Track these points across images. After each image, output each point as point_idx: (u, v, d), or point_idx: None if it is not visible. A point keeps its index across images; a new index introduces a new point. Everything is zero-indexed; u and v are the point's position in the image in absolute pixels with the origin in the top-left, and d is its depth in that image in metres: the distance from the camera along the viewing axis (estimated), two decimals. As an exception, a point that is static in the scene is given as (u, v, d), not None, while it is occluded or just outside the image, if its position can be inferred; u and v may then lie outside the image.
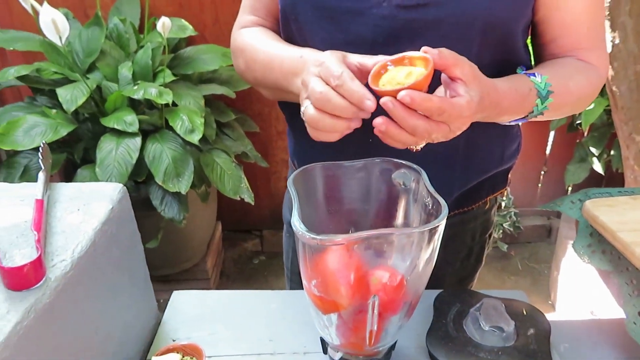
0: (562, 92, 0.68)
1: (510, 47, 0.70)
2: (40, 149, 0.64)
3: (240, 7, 0.82)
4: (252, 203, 1.68)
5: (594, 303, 1.87)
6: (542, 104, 0.66)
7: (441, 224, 0.53)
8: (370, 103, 0.54)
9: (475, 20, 0.64)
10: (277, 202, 2.36)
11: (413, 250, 0.55)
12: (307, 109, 0.58)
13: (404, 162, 0.63)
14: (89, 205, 0.60)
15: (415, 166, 0.62)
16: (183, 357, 0.63)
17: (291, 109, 0.79)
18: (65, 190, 0.63)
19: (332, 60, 0.57)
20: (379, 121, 0.55)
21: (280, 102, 0.83)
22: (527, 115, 0.68)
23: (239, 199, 1.67)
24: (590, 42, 0.73)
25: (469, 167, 0.77)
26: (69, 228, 0.56)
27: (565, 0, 0.69)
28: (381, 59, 0.58)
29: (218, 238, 2.29)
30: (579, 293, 1.94)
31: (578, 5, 0.69)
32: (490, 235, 0.93)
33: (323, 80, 0.56)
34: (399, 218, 0.66)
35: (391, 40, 0.66)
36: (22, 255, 0.51)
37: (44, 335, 0.47)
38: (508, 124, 0.72)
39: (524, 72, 0.70)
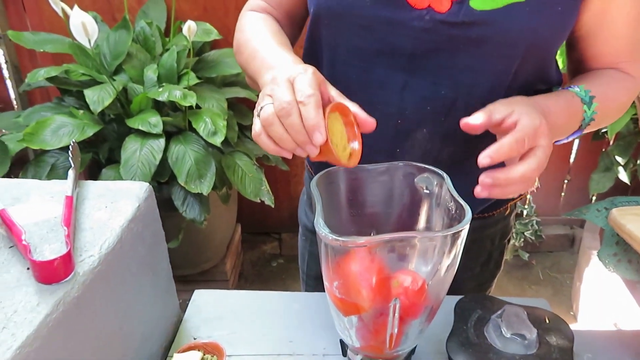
0: (603, 98, 0.67)
1: (547, 64, 0.70)
2: (70, 147, 0.66)
3: None
4: (272, 205, 1.69)
5: (618, 315, 1.83)
6: (589, 110, 0.66)
7: (464, 228, 0.53)
8: (319, 137, 0.52)
9: (520, 40, 0.63)
10: (296, 206, 2.35)
11: (435, 255, 0.55)
12: (266, 108, 0.54)
13: (427, 166, 0.63)
14: (116, 203, 0.61)
15: (438, 170, 0.62)
16: (204, 355, 0.64)
17: None
18: (93, 187, 0.65)
19: (312, 78, 0.54)
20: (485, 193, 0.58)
21: None
22: (581, 126, 0.68)
23: (259, 201, 1.68)
24: (630, 55, 0.72)
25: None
26: (97, 224, 0.57)
27: (609, 17, 0.68)
28: (354, 109, 0.58)
29: (237, 240, 2.30)
30: (602, 304, 1.90)
31: (620, 20, 0.68)
32: (509, 241, 0.93)
33: (293, 89, 0.54)
34: (421, 222, 0.66)
35: (430, 53, 0.65)
36: (51, 250, 0.52)
37: (71, 328, 0.48)
38: (566, 140, 0.72)
39: (560, 88, 0.70)
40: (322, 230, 0.51)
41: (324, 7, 0.69)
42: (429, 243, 0.54)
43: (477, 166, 0.74)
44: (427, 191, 0.64)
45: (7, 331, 0.42)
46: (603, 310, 1.90)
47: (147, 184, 0.66)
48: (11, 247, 0.53)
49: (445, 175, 0.61)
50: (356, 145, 0.59)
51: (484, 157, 0.56)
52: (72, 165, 0.64)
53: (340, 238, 0.50)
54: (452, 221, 0.58)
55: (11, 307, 0.45)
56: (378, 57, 0.68)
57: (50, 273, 0.48)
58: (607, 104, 0.69)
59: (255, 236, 2.48)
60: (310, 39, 0.76)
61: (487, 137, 0.68)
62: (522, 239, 2.31)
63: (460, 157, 0.72)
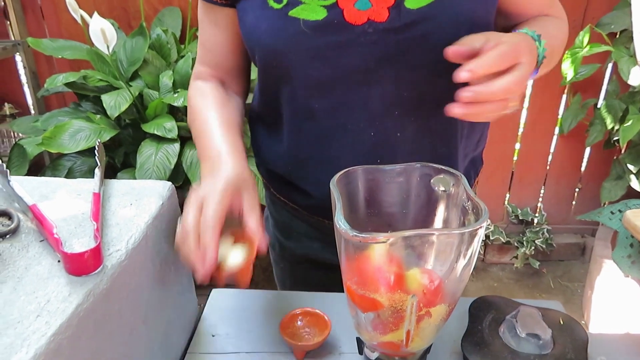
0: (547, 36, 0.68)
1: None
2: (96, 147, 0.68)
3: (197, 52, 0.83)
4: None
5: (630, 323, 1.82)
6: (540, 46, 0.65)
7: (482, 227, 0.54)
8: (209, 259, 0.57)
9: (461, 24, 0.65)
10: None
11: (452, 253, 0.56)
12: (178, 228, 0.61)
13: (443, 167, 0.64)
14: (141, 201, 0.63)
15: (454, 171, 0.63)
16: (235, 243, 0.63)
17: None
18: (118, 186, 0.67)
19: (216, 204, 0.59)
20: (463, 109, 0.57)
21: None
22: (537, 63, 0.66)
23: (271, 206, 1.70)
24: (548, 7, 0.77)
25: (467, 146, 0.81)
26: (123, 221, 0.59)
27: None
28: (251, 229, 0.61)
29: (248, 245, 2.31)
30: (613, 313, 1.89)
31: None
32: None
33: (198, 210, 0.60)
34: (437, 222, 0.67)
35: (382, 63, 0.67)
36: (80, 244, 0.54)
37: (100, 318, 0.49)
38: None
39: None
40: (343, 226, 0.53)
41: (269, 50, 0.69)
42: (446, 241, 0.55)
43: (454, 150, 0.77)
44: (443, 191, 0.65)
45: (41, 319, 0.44)
46: (615, 319, 1.89)
47: (170, 183, 0.67)
48: (42, 240, 0.55)
49: (461, 175, 0.63)
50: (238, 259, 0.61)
51: (464, 72, 0.54)
52: (98, 164, 0.66)
53: (360, 234, 0.52)
54: (468, 220, 0.60)
55: (44, 297, 0.47)
56: (335, 82, 0.69)
57: (81, 265, 0.49)
58: (552, 41, 0.70)
59: (266, 242, 2.49)
60: (264, 88, 0.78)
61: (456, 120, 0.73)
62: (533, 247, 2.30)
63: (439, 147, 0.75)
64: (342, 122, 0.72)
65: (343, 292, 0.87)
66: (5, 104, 2.12)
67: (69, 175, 1.60)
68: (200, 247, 0.58)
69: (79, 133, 1.54)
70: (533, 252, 2.32)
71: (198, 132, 0.74)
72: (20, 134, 2.07)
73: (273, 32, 0.67)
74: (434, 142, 0.74)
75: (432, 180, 0.66)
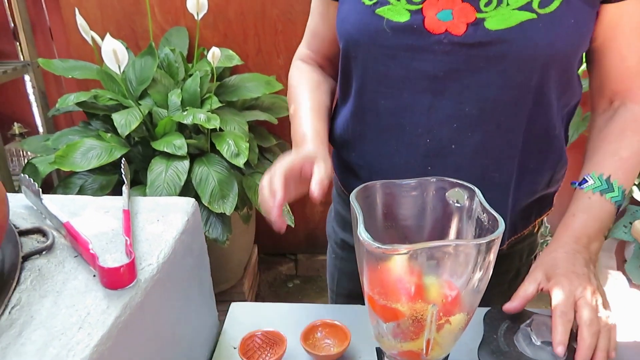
0: (622, 164, 0.71)
1: (569, 77, 0.73)
2: (122, 166, 0.70)
3: (304, 34, 0.91)
4: (293, 225, 1.72)
5: (637, 333, 1.83)
6: (615, 192, 0.70)
7: (499, 237, 0.56)
8: (278, 200, 0.64)
9: (537, 55, 0.67)
10: (311, 227, 2.40)
11: (470, 265, 0.58)
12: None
13: (458, 181, 0.67)
14: (167, 217, 0.65)
15: (469, 184, 0.66)
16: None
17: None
18: (143, 203, 0.69)
19: (286, 161, 0.68)
20: None
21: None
22: (618, 208, 0.72)
23: (279, 221, 1.72)
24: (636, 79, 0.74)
25: (520, 189, 0.80)
26: (152, 236, 0.61)
27: (620, 27, 0.70)
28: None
29: (254, 261, 2.33)
30: (620, 324, 1.90)
31: (629, 29, 0.71)
32: (535, 257, 0.95)
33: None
34: (452, 235, 0.69)
35: (452, 74, 0.70)
36: (113, 259, 0.56)
37: (136, 330, 0.51)
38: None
39: (576, 185, 0.75)
40: (366, 238, 0.55)
41: (352, 41, 0.75)
42: (464, 252, 0.58)
43: (507, 178, 0.78)
44: (458, 205, 0.68)
45: (84, 331, 0.46)
46: (622, 327, 1.89)
47: (193, 199, 0.70)
48: (75, 256, 0.57)
49: (476, 188, 0.65)
50: None
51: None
52: (125, 182, 0.68)
53: (382, 246, 0.54)
54: (485, 232, 0.62)
55: (84, 310, 0.49)
56: (404, 83, 0.73)
57: (117, 279, 0.51)
58: (628, 167, 0.72)
59: (272, 257, 2.51)
60: (342, 72, 0.82)
61: (516, 150, 0.72)
62: (537, 259, 2.32)
63: (491, 170, 0.76)
64: (402, 123, 0.75)
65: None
66: (15, 123, 2.16)
67: (80, 192, 1.62)
68: (270, 192, 0.65)
69: (90, 151, 1.57)
70: (537, 264, 2.33)
71: (292, 114, 0.85)
72: (29, 153, 2.10)
73: (358, 25, 0.73)
74: (486, 164, 0.75)
75: (446, 194, 0.68)
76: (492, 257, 0.58)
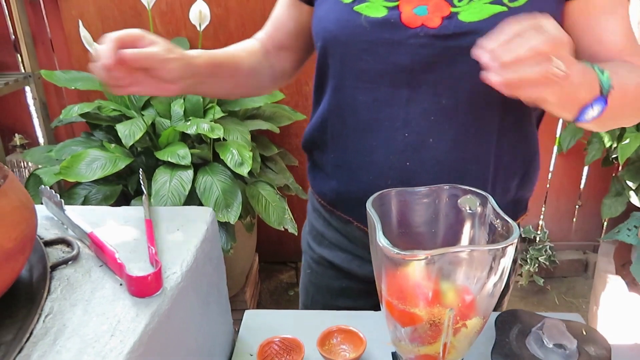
0: (617, 75, 0.64)
1: None
2: (140, 176, 0.71)
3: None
4: (296, 233, 1.74)
5: (637, 337, 1.85)
6: (602, 75, 0.62)
7: (513, 244, 0.58)
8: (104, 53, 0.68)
9: None
10: (313, 235, 2.41)
11: (486, 269, 0.60)
12: None
13: (470, 188, 0.69)
14: (187, 226, 0.67)
15: (481, 192, 0.68)
16: None
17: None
18: (162, 212, 0.70)
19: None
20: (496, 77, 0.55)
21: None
22: (602, 91, 0.62)
23: (282, 229, 1.73)
24: (631, 49, 0.73)
25: (496, 185, 0.81)
26: (174, 245, 0.62)
27: (593, 13, 0.72)
28: None
29: (255, 269, 2.34)
30: (620, 327, 1.92)
31: (603, 13, 0.72)
32: (515, 261, 0.97)
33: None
34: (465, 241, 0.71)
35: (429, 66, 0.72)
36: (138, 268, 0.57)
37: (164, 337, 0.53)
38: (592, 111, 0.63)
39: None
40: (385, 244, 0.56)
41: (331, 37, 0.78)
42: (480, 257, 0.59)
43: (484, 172, 0.79)
44: (471, 211, 0.69)
45: (116, 338, 0.47)
46: (622, 332, 1.92)
47: (211, 209, 0.71)
48: (100, 265, 0.58)
49: (488, 195, 0.67)
50: None
51: (481, 49, 0.55)
52: (144, 192, 0.69)
53: (401, 252, 0.56)
54: (497, 238, 0.63)
55: (114, 318, 0.50)
56: (382, 77, 0.75)
57: (145, 288, 0.53)
58: (624, 80, 0.66)
59: (272, 265, 2.52)
60: (318, 73, 0.85)
61: (491, 143, 0.75)
62: (537, 265, 2.34)
63: (468, 163, 0.78)
64: (380, 118, 0.77)
65: (362, 301, 0.90)
66: (15, 134, 2.16)
67: (85, 203, 1.63)
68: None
69: (95, 162, 1.57)
70: (537, 270, 2.35)
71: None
72: (30, 164, 2.10)
73: (337, 22, 0.75)
74: (465, 157, 0.77)
75: (459, 201, 0.70)
76: (508, 262, 0.60)
